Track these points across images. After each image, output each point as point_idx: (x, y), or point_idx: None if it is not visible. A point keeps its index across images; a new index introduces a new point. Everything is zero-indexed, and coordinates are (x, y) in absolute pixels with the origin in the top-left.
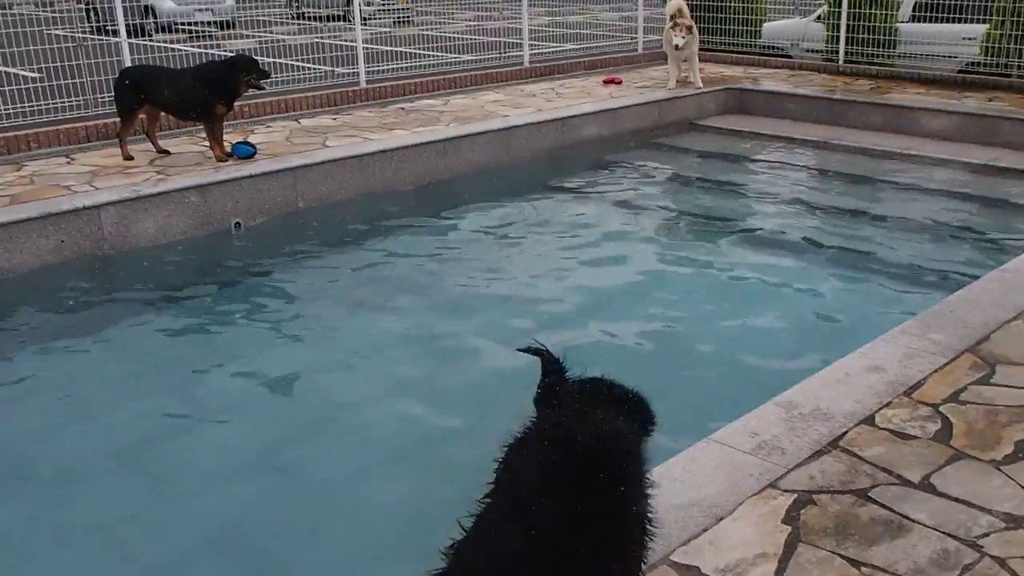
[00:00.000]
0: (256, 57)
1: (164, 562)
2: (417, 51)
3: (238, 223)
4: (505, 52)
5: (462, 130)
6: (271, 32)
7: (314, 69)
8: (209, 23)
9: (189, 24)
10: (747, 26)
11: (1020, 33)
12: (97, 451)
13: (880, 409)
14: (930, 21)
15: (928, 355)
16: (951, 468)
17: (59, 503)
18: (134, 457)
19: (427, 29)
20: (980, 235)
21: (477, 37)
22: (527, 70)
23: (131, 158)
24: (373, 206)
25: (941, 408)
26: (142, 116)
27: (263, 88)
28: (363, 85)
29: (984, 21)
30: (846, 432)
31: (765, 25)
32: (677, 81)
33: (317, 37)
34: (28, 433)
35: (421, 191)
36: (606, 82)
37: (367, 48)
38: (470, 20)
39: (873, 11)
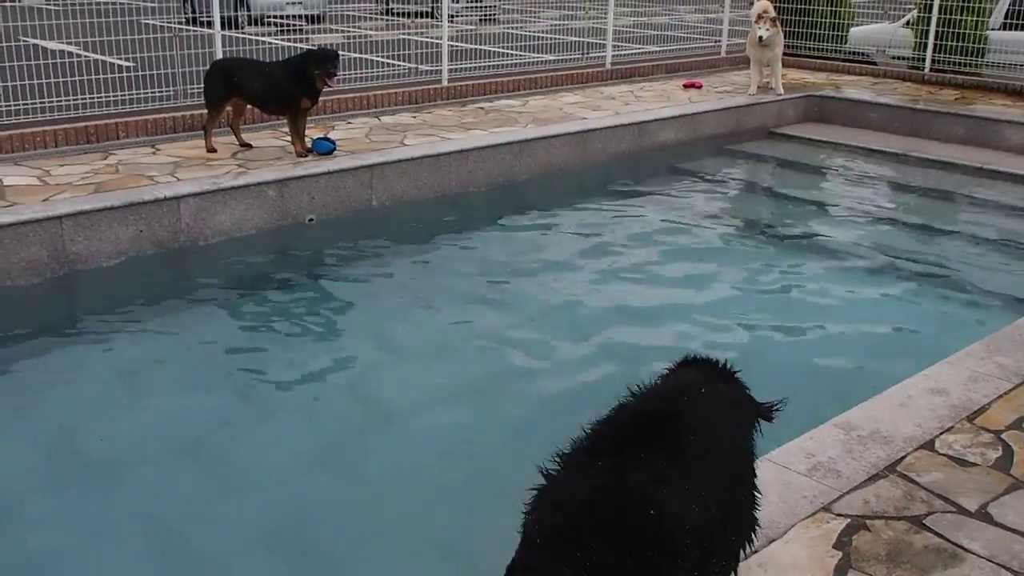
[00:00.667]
0: (341, 52)
1: (216, 553)
2: (500, 49)
3: (311, 218)
4: (587, 53)
5: (538, 132)
6: (358, 27)
7: (398, 66)
8: (299, 17)
9: (280, 17)
10: (834, 31)
11: None
12: (155, 441)
13: (941, 434)
14: (1023, 29)
15: (993, 379)
16: (1009, 497)
17: (113, 492)
18: (190, 448)
19: (511, 27)
20: None
21: (560, 37)
22: (608, 72)
23: (214, 150)
24: (447, 206)
25: (1003, 435)
26: (228, 108)
27: (332, 84)
28: (445, 83)
29: None
30: (904, 456)
31: (852, 30)
32: (759, 87)
33: (403, 33)
34: (89, 421)
35: (495, 191)
36: (686, 86)
37: (451, 46)
38: (555, 19)
39: (964, 17)
